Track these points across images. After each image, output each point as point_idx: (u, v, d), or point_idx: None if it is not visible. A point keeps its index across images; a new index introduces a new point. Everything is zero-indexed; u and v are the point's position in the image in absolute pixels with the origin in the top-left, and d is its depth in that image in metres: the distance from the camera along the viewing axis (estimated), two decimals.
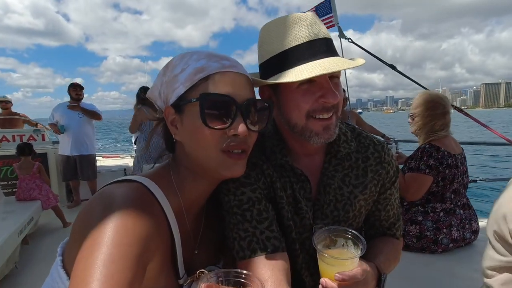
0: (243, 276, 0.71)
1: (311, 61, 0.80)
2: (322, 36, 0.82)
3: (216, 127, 0.73)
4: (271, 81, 0.83)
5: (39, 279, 0.81)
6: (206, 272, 0.76)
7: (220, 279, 0.70)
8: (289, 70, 0.81)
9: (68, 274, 0.71)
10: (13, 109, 5.68)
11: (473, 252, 2.27)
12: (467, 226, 2.31)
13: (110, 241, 0.59)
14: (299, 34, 0.81)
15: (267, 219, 0.87)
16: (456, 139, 2.47)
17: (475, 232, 2.36)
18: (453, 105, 3.76)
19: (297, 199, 0.93)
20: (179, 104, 0.76)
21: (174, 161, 0.86)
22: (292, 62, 0.81)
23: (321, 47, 0.82)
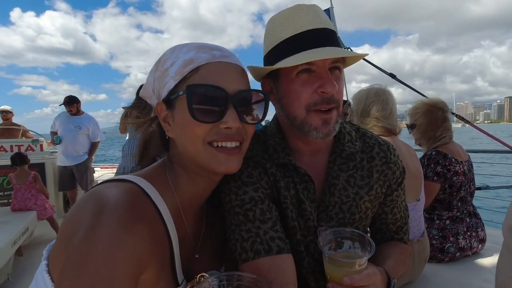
0: (247, 279, 0.66)
1: (310, 49, 0.78)
2: (323, 27, 0.81)
3: (206, 120, 0.69)
4: (267, 67, 0.83)
5: None
6: (207, 275, 0.71)
7: (223, 283, 0.66)
8: (287, 58, 0.80)
9: (53, 279, 0.66)
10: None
11: (481, 262, 2.20)
12: (474, 234, 2.24)
13: (99, 256, 0.54)
14: (298, 24, 0.80)
15: (270, 219, 0.82)
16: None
17: (482, 240, 2.29)
18: (454, 113, 3.71)
19: (300, 200, 0.89)
20: (170, 99, 0.73)
21: (169, 160, 0.81)
22: (291, 50, 0.80)
23: (321, 36, 0.80)
